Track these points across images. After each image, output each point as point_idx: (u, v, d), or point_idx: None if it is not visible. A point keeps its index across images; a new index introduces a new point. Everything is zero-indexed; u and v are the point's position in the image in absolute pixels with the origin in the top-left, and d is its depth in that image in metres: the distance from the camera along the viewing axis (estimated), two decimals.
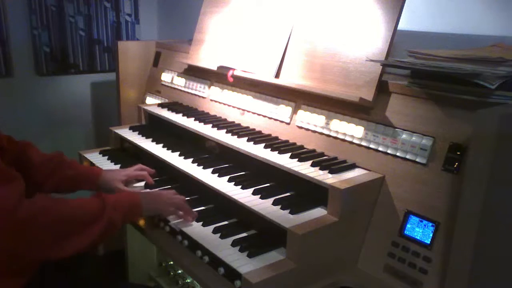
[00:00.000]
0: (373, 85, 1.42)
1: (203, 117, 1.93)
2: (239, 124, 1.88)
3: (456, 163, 1.21)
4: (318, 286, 1.28)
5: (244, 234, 1.37)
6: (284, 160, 1.47)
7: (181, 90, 2.30)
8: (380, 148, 1.39)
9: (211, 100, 2.09)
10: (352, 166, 1.43)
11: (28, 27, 2.79)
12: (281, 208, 1.33)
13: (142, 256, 2.31)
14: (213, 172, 1.58)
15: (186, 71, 2.30)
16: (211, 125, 1.83)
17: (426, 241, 1.24)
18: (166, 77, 2.43)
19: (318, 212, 1.33)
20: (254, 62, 1.82)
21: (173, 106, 2.14)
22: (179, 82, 2.31)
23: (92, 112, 3.20)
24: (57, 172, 1.62)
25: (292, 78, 1.70)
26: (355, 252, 1.36)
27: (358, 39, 1.49)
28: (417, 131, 1.32)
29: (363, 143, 1.44)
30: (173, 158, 1.72)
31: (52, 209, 1.20)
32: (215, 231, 1.38)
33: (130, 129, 2.12)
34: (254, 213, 1.33)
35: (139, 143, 1.92)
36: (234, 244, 1.30)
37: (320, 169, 1.40)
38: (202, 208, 1.53)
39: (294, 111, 1.69)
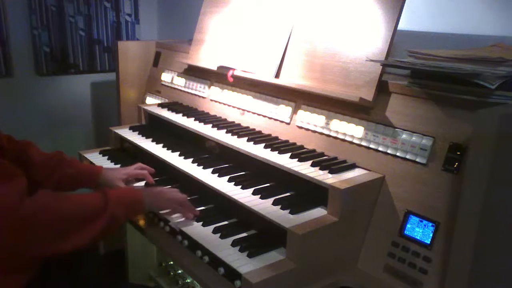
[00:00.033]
0: (373, 85, 1.42)
1: (203, 117, 1.93)
2: (239, 124, 1.88)
3: (456, 163, 1.21)
4: (318, 286, 1.28)
5: (244, 234, 1.37)
6: (284, 160, 1.47)
7: (181, 90, 2.30)
8: (380, 148, 1.39)
9: (211, 100, 2.09)
10: (352, 166, 1.43)
11: (28, 27, 2.79)
12: (281, 208, 1.33)
13: (142, 256, 2.31)
14: (213, 172, 1.58)
15: (186, 71, 2.30)
16: (211, 125, 1.83)
17: (426, 241, 1.24)
18: (166, 77, 2.43)
19: (318, 212, 1.33)
20: (254, 62, 1.82)
21: (173, 106, 2.14)
22: (179, 82, 2.31)
23: (92, 112, 3.20)
24: (57, 170, 1.62)
25: (292, 78, 1.70)
26: (355, 252, 1.36)
27: (358, 39, 1.49)
28: (417, 131, 1.32)
29: (363, 143, 1.44)
30: (173, 158, 1.72)
31: (54, 205, 1.20)
32: (215, 231, 1.38)
33: (130, 129, 2.12)
34: (254, 213, 1.33)
35: (139, 143, 1.92)
36: (234, 244, 1.30)
37: (320, 169, 1.40)
38: (202, 208, 1.53)
39: (294, 111, 1.69)
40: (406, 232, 1.29)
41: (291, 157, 1.49)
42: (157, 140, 1.92)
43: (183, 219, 1.46)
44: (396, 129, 1.37)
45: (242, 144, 1.62)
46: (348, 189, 1.27)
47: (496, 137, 0.98)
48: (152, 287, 2.31)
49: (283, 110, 1.72)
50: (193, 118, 1.93)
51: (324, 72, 1.58)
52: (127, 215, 1.38)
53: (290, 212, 1.31)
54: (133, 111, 2.49)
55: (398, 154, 1.34)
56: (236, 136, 1.69)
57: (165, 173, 1.75)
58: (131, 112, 2.57)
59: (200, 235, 1.36)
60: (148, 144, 1.90)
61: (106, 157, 2.00)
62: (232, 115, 1.95)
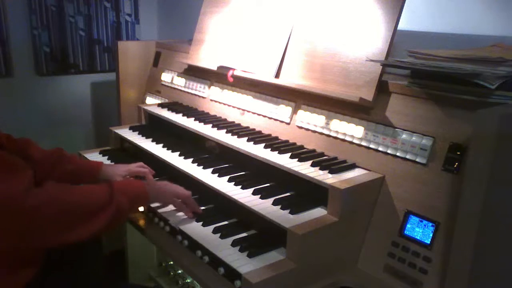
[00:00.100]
0: (373, 85, 1.42)
1: (203, 117, 1.93)
2: (239, 124, 1.88)
3: (456, 163, 1.21)
4: (318, 286, 1.28)
5: (244, 234, 1.37)
6: (284, 160, 1.47)
7: (181, 90, 2.30)
8: (380, 148, 1.39)
9: (211, 100, 2.09)
10: (352, 166, 1.43)
11: (28, 27, 2.79)
12: (281, 208, 1.33)
13: (142, 256, 2.32)
14: (213, 172, 1.58)
15: (186, 71, 2.30)
16: (211, 125, 1.83)
17: (426, 241, 1.24)
18: (166, 77, 2.43)
19: (318, 212, 1.33)
20: (254, 62, 1.82)
21: (173, 106, 2.14)
22: (179, 82, 2.31)
23: (92, 112, 3.20)
24: (57, 167, 1.62)
25: (292, 78, 1.70)
26: (355, 252, 1.36)
27: (358, 39, 1.49)
28: (417, 131, 1.32)
29: (363, 143, 1.44)
30: (173, 158, 1.72)
31: (61, 197, 1.21)
32: (215, 231, 1.38)
33: (130, 129, 2.12)
34: (254, 213, 1.33)
35: (139, 143, 1.92)
36: (234, 244, 1.30)
37: (320, 169, 1.40)
38: (202, 208, 1.53)
39: (294, 111, 1.69)
40: (406, 232, 1.29)
41: (291, 157, 1.49)
42: (157, 140, 1.92)
43: (183, 218, 1.46)
44: (396, 129, 1.36)
45: (242, 144, 1.62)
46: (348, 189, 1.27)
47: (496, 137, 0.98)
48: (152, 287, 2.31)
49: (283, 110, 1.72)
50: (193, 118, 1.93)
51: (324, 72, 1.58)
52: (132, 207, 1.39)
53: (290, 212, 1.31)
54: (133, 111, 2.49)
55: (398, 154, 1.34)
56: (236, 136, 1.69)
57: (165, 173, 1.75)
58: (131, 112, 2.57)
59: (200, 235, 1.36)
60: (148, 144, 1.90)
61: (106, 157, 2.00)
62: (232, 115, 1.95)
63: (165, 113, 2.05)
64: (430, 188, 1.26)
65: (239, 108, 1.93)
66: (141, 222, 1.55)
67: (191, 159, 1.68)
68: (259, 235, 1.38)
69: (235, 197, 1.40)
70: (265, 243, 1.31)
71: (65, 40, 2.94)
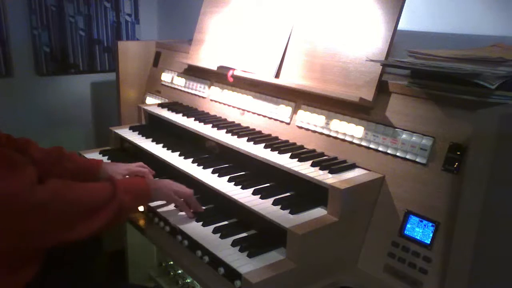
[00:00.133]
0: (373, 85, 1.42)
1: (203, 117, 1.93)
2: (239, 124, 1.88)
3: (456, 163, 1.21)
4: (318, 286, 1.28)
5: (244, 234, 1.37)
6: (284, 160, 1.47)
7: (181, 90, 2.30)
8: (380, 148, 1.39)
9: (211, 100, 2.09)
10: (352, 166, 1.43)
11: (28, 27, 2.79)
12: (281, 208, 1.33)
13: (142, 256, 2.31)
14: (213, 172, 1.58)
15: (186, 71, 2.30)
16: (211, 125, 1.83)
17: (426, 241, 1.24)
18: (166, 77, 2.43)
19: (318, 212, 1.33)
20: (254, 62, 1.82)
21: (173, 106, 2.14)
22: (179, 82, 2.31)
23: (92, 112, 3.20)
24: (57, 165, 1.62)
25: (292, 78, 1.70)
26: (355, 252, 1.36)
27: (358, 39, 1.49)
28: (417, 131, 1.32)
29: (363, 143, 1.44)
30: (173, 158, 1.72)
31: (64, 194, 1.21)
32: (215, 231, 1.38)
33: (130, 129, 2.12)
34: (254, 213, 1.33)
35: (139, 143, 1.92)
36: (234, 244, 1.30)
37: (320, 169, 1.40)
38: (202, 208, 1.53)
39: (294, 111, 1.69)
40: (406, 232, 1.29)
41: (291, 157, 1.49)
42: (157, 140, 1.92)
43: (183, 218, 1.46)
44: (396, 129, 1.36)
45: (242, 144, 1.62)
46: (348, 189, 1.27)
47: (496, 137, 0.98)
48: (152, 287, 2.31)
49: (283, 110, 1.72)
50: (193, 118, 1.93)
51: (324, 72, 1.58)
52: (134, 205, 1.40)
53: (290, 212, 1.31)
54: (133, 111, 2.49)
55: (398, 154, 1.34)
56: (236, 136, 1.69)
57: (165, 173, 1.75)
58: (131, 112, 2.57)
59: (200, 235, 1.36)
60: (148, 144, 1.90)
61: (106, 157, 2.00)
62: (232, 115, 1.95)
63: (165, 113, 2.05)
64: (430, 188, 1.26)
65: (239, 108, 1.93)
66: (141, 222, 1.55)
67: (191, 159, 1.68)
68: (259, 235, 1.38)
69: (235, 197, 1.40)
70: (265, 243, 1.31)
71: (65, 40, 2.94)
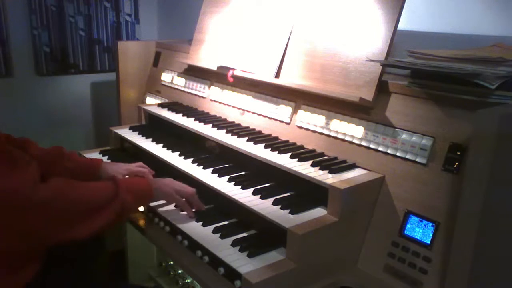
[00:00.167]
0: (373, 85, 1.42)
1: (203, 117, 1.93)
2: (239, 124, 1.88)
3: (456, 163, 1.21)
4: (318, 286, 1.28)
5: (244, 234, 1.38)
6: (284, 160, 1.47)
7: (181, 90, 2.30)
8: (380, 148, 1.39)
9: (211, 100, 2.09)
10: (352, 166, 1.43)
11: (28, 27, 2.79)
12: (281, 208, 1.33)
13: (142, 256, 2.31)
14: (213, 172, 1.58)
15: (186, 71, 2.30)
16: (211, 125, 1.83)
17: (426, 241, 1.24)
18: (166, 77, 2.43)
19: (318, 212, 1.33)
20: (254, 62, 1.82)
21: (173, 106, 2.14)
22: (179, 82, 2.31)
23: (92, 112, 3.20)
24: (57, 165, 1.62)
25: (292, 78, 1.70)
26: (355, 252, 1.36)
27: (358, 39, 1.49)
28: (417, 131, 1.32)
29: (363, 143, 1.44)
30: (173, 158, 1.72)
31: (67, 192, 1.21)
32: (215, 231, 1.38)
33: (130, 129, 2.12)
34: (254, 213, 1.33)
35: (139, 143, 1.92)
36: (234, 244, 1.30)
37: (320, 169, 1.40)
38: (205, 206, 1.53)
39: (294, 111, 1.69)
40: (406, 232, 1.29)
41: (291, 157, 1.49)
42: (157, 140, 1.92)
43: (184, 218, 1.46)
44: (396, 129, 1.36)
45: (242, 144, 1.62)
46: (348, 189, 1.27)
47: (496, 137, 0.98)
48: (152, 287, 2.31)
49: (283, 110, 1.72)
50: (193, 118, 1.93)
51: (324, 72, 1.58)
52: (137, 204, 1.40)
53: (290, 212, 1.31)
54: (133, 111, 2.49)
55: (398, 154, 1.34)
56: (236, 136, 1.69)
57: (165, 173, 1.75)
58: (131, 112, 2.57)
59: (200, 235, 1.36)
60: (148, 144, 1.90)
61: (106, 157, 2.00)
62: (232, 115, 1.95)
63: (165, 113, 2.05)
64: (430, 188, 1.26)
65: (239, 108, 1.93)
66: (141, 222, 1.55)
67: (191, 159, 1.68)
68: (259, 235, 1.38)
69: (235, 197, 1.40)
70: (265, 243, 1.31)
71: (65, 40, 2.94)
